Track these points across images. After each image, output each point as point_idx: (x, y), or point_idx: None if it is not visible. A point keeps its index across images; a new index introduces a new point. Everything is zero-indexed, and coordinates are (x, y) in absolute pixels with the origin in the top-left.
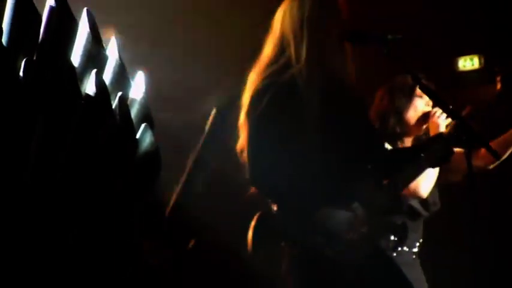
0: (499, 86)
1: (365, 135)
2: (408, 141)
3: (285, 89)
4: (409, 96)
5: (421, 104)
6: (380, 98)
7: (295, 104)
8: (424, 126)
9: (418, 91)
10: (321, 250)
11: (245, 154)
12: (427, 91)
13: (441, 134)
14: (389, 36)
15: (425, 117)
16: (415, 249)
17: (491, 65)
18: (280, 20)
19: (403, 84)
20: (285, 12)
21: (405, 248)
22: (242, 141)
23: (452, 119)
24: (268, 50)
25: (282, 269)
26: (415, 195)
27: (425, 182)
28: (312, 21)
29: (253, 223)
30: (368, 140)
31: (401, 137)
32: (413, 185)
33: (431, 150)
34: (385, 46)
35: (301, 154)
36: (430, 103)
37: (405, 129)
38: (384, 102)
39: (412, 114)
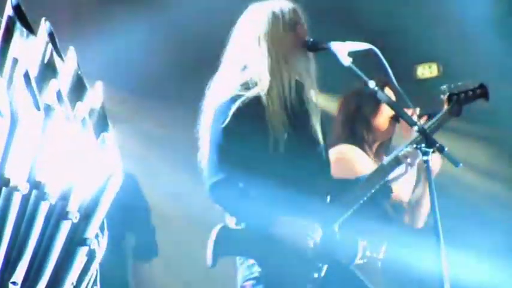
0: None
1: (318, 156)
2: (377, 146)
3: (250, 105)
4: (376, 103)
5: (388, 109)
6: (346, 105)
7: (259, 121)
8: (393, 129)
9: None
10: (279, 270)
11: (204, 163)
12: (387, 101)
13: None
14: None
15: (394, 120)
16: (381, 256)
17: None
18: (238, 35)
19: (369, 92)
20: (241, 28)
21: (373, 254)
22: (202, 151)
23: (411, 126)
24: (229, 62)
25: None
26: (397, 199)
27: (406, 185)
28: (268, 37)
29: (212, 236)
30: (320, 160)
31: (370, 143)
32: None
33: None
34: (349, 55)
35: (261, 171)
36: None
37: (374, 135)
38: (350, 109)
39: (380, 120)
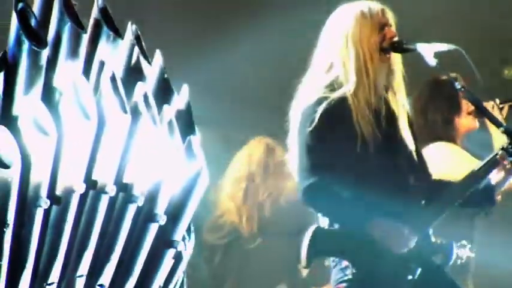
0: None
1: (408, 159)
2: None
3: (336, 106)
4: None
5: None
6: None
7: (346, 122)
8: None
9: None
10: (374, 272)
11: (293, 167)
12: (473, 101)
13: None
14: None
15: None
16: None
17: None
18: (325, 37)
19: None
20: (329, 29)
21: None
22: (292, 154)
23: (498, 127)
24: (316, 63)
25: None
26: None
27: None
28: (356, 37)
29: (307, 237)
30: (410, 163)
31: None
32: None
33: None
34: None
35: (351, 172)
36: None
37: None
38: (428, 105)
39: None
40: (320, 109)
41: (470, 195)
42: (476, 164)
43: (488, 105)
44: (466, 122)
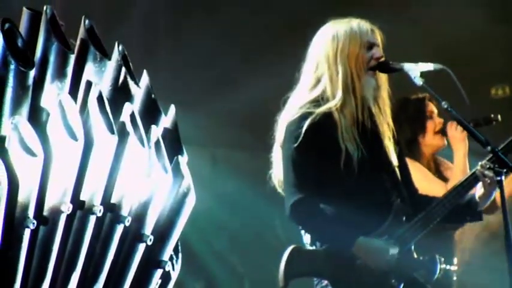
0: None
1: (391, 175)
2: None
3: (321, 121)
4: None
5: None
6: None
7: (331, 138)
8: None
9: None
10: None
11: (278, 182)
12: (459, 122)
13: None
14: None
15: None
16: (455, 267)
17: None
18: (314, 51)
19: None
20: (318, 43)
21: (448, 267)
22: (277, 169)
23: (484, 147)
24: (304, 78)
25: None
26: None
27: None
28: (345, 54)
29: (285, 257)
30: (394, 180)
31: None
32: None
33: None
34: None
35: (336, 189)
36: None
37: (415, 150)
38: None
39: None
40: (305, 124)
41: (455, 211)
42: (451, 181)
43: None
44: (433, 141)
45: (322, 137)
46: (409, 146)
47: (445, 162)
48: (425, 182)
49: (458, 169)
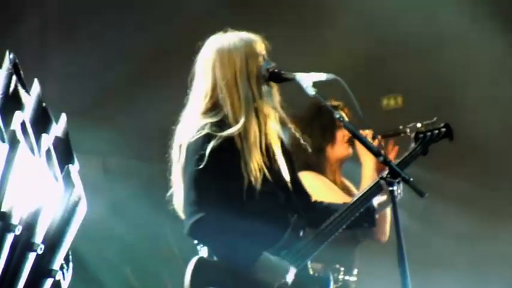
0: None
1: (285, 191)
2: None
3: (224, 145)
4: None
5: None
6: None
7: (234, 162)
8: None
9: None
10: None
11: (180, 202)
12: (351, 132)
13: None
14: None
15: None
16: (355, 278)
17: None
18: (207, 71)
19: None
20: (216, 63)
21: (347, 277)
22: (177, 188)
23: (376, 157)
24: (200, 94)
25: None
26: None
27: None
28: (244, 77)
29: (190, 267)
30: (288, 195)
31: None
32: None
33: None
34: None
35: (236, 209)
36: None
37: (321, 158)
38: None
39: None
40: (209, 147)
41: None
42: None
43: (365, 134)
44: (339, 150)
45: (224, 161)
46: (316, 154)
47: (351, 186)
48: (331, 193)
49: (366, 181)
